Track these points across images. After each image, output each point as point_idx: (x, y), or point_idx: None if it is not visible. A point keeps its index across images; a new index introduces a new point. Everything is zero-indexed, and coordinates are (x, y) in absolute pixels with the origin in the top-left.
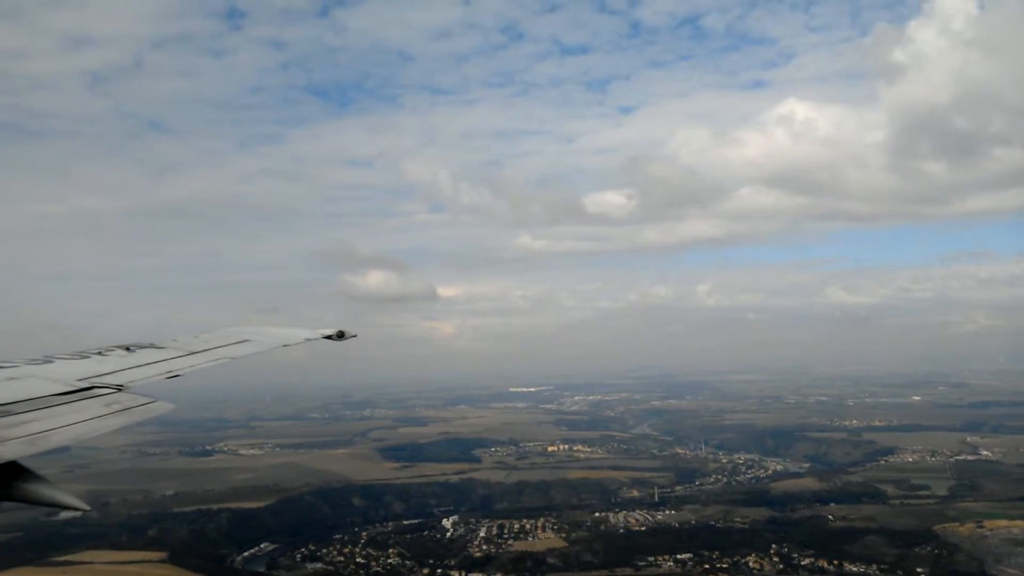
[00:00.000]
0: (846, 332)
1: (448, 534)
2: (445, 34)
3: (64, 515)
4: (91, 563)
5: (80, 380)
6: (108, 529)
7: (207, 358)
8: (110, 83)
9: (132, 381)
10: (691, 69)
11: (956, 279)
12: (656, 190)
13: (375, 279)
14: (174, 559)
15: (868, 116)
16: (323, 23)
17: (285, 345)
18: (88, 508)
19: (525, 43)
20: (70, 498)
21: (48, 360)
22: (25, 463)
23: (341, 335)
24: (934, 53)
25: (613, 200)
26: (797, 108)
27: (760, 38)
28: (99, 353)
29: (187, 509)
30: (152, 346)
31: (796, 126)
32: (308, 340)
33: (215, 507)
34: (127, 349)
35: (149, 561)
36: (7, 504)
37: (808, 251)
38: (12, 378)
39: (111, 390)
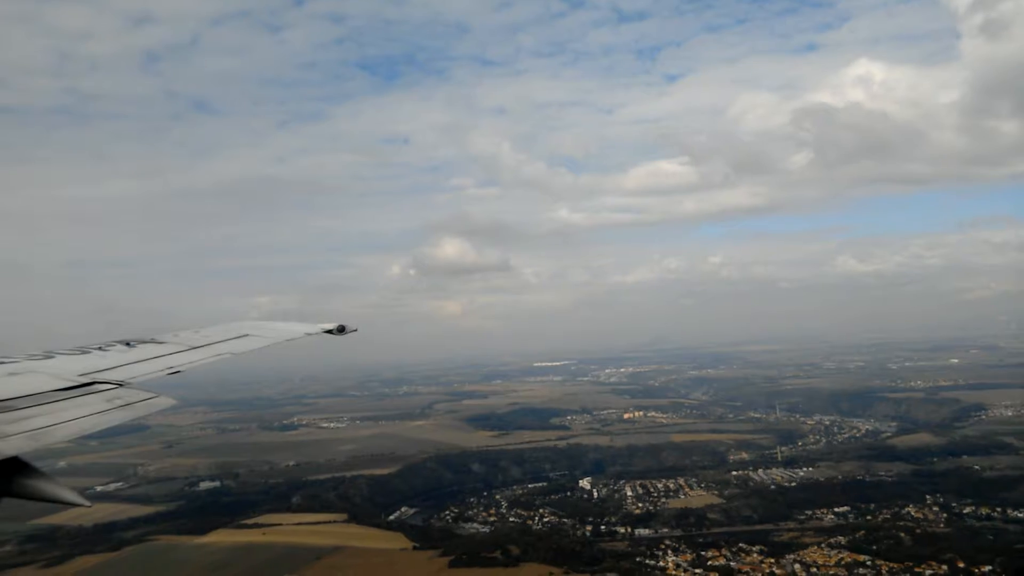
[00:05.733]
0: (855, 300)
1: (594, 494)
2: (506, 3)
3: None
4: (279, 524)
5: (81, 376)
6: (255, 497)
7: (208, 353)
8: (163, 62)
9: (133, 377)
10: (744, 33)
11: (970, 245)
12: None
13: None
14: (355, 519)
15: (938, 76)
16: None
17: (287, 340)
18: (89, 504)
19: (584, 10)
20: (71, 494)
21: (49, 356)
22: (26, 458)
23: (342, 329)
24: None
25: (647, 172)
26: (873, 69)
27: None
28: (99, 348)
29: (321, 477)
30: (153, 341)
31: (874, 88)
32: (308, 335)
33: (348, 474)
34: (127, 344)
35: (334, 522)
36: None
37: (821, 220)
38: (13, 373)
39: (112, 386)
